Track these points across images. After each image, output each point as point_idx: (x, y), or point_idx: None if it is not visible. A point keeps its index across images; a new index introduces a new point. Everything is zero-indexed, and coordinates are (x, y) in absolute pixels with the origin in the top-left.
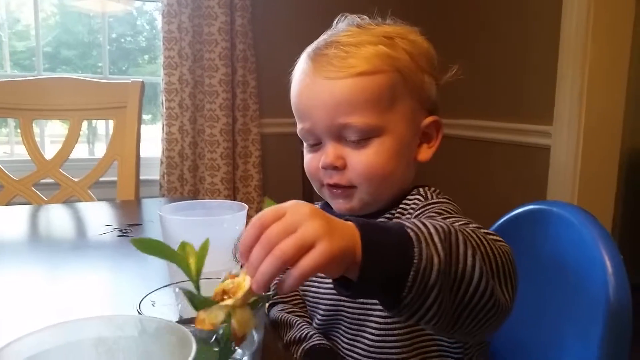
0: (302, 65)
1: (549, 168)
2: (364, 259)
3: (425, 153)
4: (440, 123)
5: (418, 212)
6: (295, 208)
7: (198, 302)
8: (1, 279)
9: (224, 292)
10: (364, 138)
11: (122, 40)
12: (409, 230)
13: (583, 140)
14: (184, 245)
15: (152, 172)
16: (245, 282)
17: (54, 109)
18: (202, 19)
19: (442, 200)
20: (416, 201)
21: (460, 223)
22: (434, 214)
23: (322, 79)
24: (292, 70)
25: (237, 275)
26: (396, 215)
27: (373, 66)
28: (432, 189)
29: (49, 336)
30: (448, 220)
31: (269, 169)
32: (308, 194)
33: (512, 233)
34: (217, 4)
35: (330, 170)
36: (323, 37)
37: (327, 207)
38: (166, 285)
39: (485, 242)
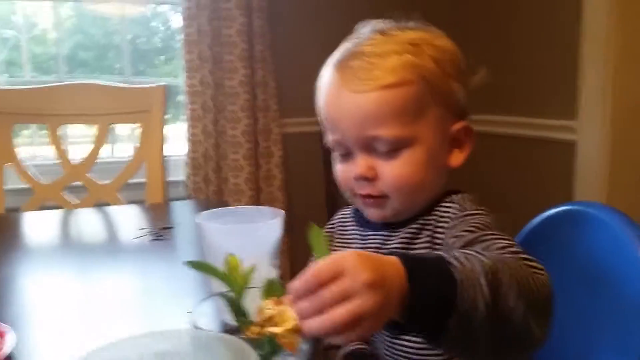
0: (327, 76)
1: (575, 163)
2: (409, 310)
3: (457, 158)
4: (470, 128)
5: (455, 222)
6: (354, 272)
7: (242, 322)
8: (40, 285)
9: (270, 319)
10: (394, 149)
11: (138, 41)
12: (455, 273)
13: (612, 134)
14: (229, 258)
15: (176, 173)
16: (291, 318)
17: (80, 114)
18: (220, 21)
19: (479, 212)
20: (453, 210)
21: (499, 246)
22: (472, 228)
23: (349, 92)
24: (316, 76)
25: (279, 299)
26: (430, 221)
27: (399, 77)
28: (466, 195)
29: (107, 354)
30: (487, 239)
31: (291, 168)
32: (331, 193)
33: (545, 235)
34: (234, 5)
35: (361, 181)
36: (347, 46)
37: (358, 212)
38: (211, 296)
39: (527, 278)
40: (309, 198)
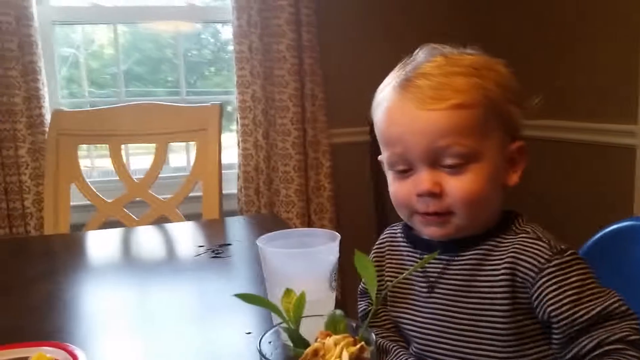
0: (389, 94)
1: (636, 169)
2: None
3: (512, 178)
4: (525, 148)
5: (551, 272)
6: None
7: (298, 353)
8: (105, 304)
9: (316, 352)
10: (462, 163)
11: (189, 54)
12: None
13: None
14: (288, 292)
15: (228, 186)
16: (336, 353)
17: (140, 134)
18: (271, 37)
19: (573, 259)
20: (537, 247)
21: (603, 306)
22: (574, 289)
23: (417, 110)
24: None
25: (328, 332)
26: (501, 248)
27: (468, 98)
28: (535, 225)
29: None
30: (594, 298)
31: (339, 179)
32: (380, 203)
33: (605, 252)
34: (285, 22)
35: (426, 198)
36: (408, 67)
37: (406, 228)
38: (277, 325)
39: None
40: (357, 207)
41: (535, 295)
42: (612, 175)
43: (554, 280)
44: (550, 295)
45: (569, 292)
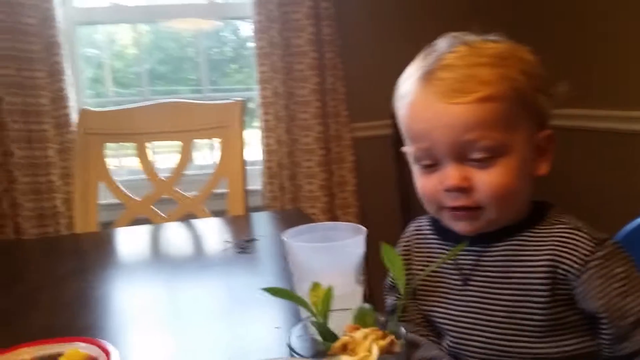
0: (412, 87)
1: None
2: None
3: (542, 167)
4: (553, 136)
5: (596, 264)
6: None
7: (327, 346)
8: (134, 300)
9: (344, 346)
10: (490, 157)
11: (210, 52)
12: None
13: None
14: (316, 285)
15: (252, 182)
16: (364, 347)
17: (164, 132)
18: (290, 32)
19: (615, 249)
20: (578, 238)
21: None
22: (621, 281)
23: (443, 104)
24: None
25: (356, 326)
26: (539, 239)
27: (494, 90)
28: (573, 218)
29: None
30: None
31: (363, 173)
32: (405, 197)
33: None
34: (304, 16)
35: (454, 192)
36: (430, 58)
37: (434, 220)
38: (304, 320)
39: None
40: (382, 202)
41: (581, 288)
42: (629, 162)
43: (600, 273)
44: (598, 289)
45: (616, 285)
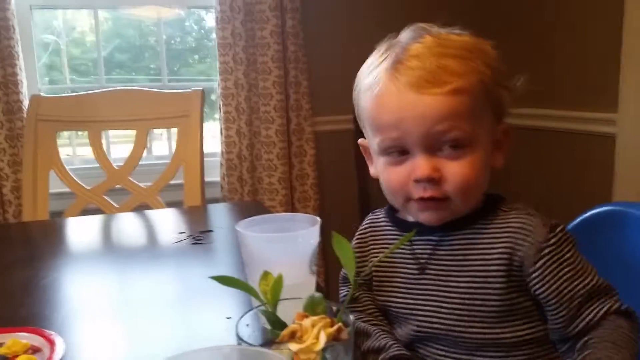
0: (380, 79)
1: (615, 156)
2: None
3: (499, 160)
4: (510, 129)
5: (544, 248)
6: None
7: (275, 334)
8: (84, 290)
9: (292, 333)
10: (459, 147)
11: (172, 41)
12: None
13: None
14: (266, 274)
15: (211, 174)
16: (312, 335)
17: (120, 120)
18: (254, 24)
19: (564, 234)
20: (529, 222)
21: (595, 279)
22: (570, 265)
23: (414, 94)
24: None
25: (305, 314)
26: (494, 227)
27: (465, 82)
28: (517, 203)
29: None
30: (587, 272)
31: (323, 167)
32: (363, 190)
33: (585, 237)
34: (268, 7)
35: (423, 183)
36: (394, 49)
37: (391, 213)
38: (253, 309)
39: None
40: (341, 195)
41: (536, 274)
42: (592, 164)
43: (553, 259)
44: (552, 274)
45: (567, 269)
